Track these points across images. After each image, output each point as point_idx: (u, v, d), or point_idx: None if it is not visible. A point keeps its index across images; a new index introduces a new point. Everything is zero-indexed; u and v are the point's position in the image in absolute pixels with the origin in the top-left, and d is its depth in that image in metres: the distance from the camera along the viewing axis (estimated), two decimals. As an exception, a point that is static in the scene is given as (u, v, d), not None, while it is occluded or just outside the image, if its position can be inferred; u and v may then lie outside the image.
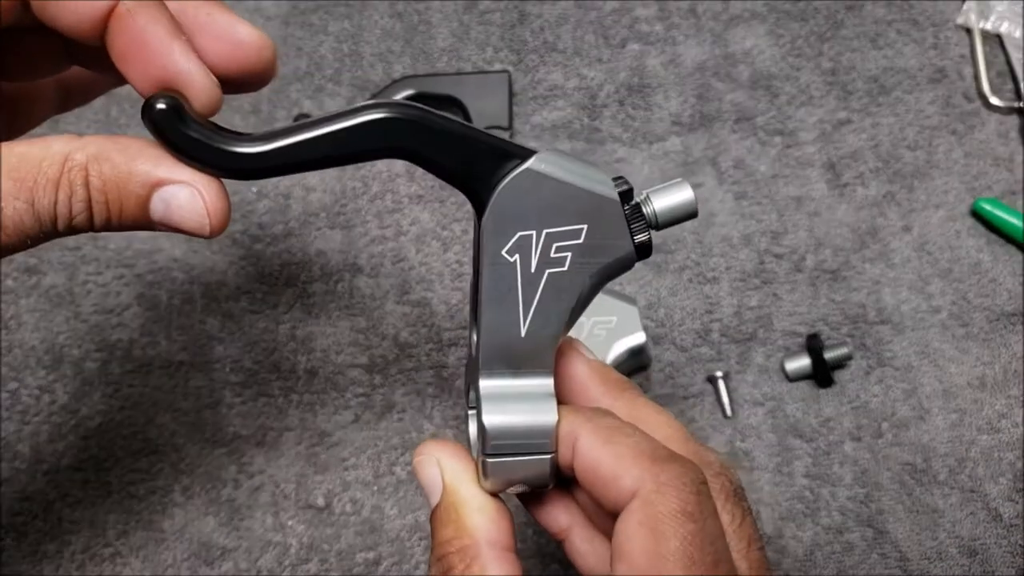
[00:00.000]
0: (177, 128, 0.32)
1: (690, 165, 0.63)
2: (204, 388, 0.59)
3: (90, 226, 0.34)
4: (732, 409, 0.57)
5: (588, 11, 0.69)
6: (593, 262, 0.35)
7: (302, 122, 0.33)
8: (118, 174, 0.33)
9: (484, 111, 0.64)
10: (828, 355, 0.57)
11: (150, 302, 0.61)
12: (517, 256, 0.34)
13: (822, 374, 0.57)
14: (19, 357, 0.59)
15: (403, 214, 0.63)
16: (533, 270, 0.34)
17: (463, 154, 0.33)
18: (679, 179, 0.36)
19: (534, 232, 0.34)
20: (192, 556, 0.55)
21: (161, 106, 0.32)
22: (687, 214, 0.36)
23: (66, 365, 0.59)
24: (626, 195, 0.35)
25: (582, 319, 0.56)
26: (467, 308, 0.60)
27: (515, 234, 0.34)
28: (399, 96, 0.64)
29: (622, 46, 0.67)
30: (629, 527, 0.31)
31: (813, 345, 0.57)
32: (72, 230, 0.33)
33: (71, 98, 0.44)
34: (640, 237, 0.35)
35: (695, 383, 0.58)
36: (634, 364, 0.57)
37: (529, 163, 0.34)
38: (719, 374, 0.58)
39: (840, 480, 0.55)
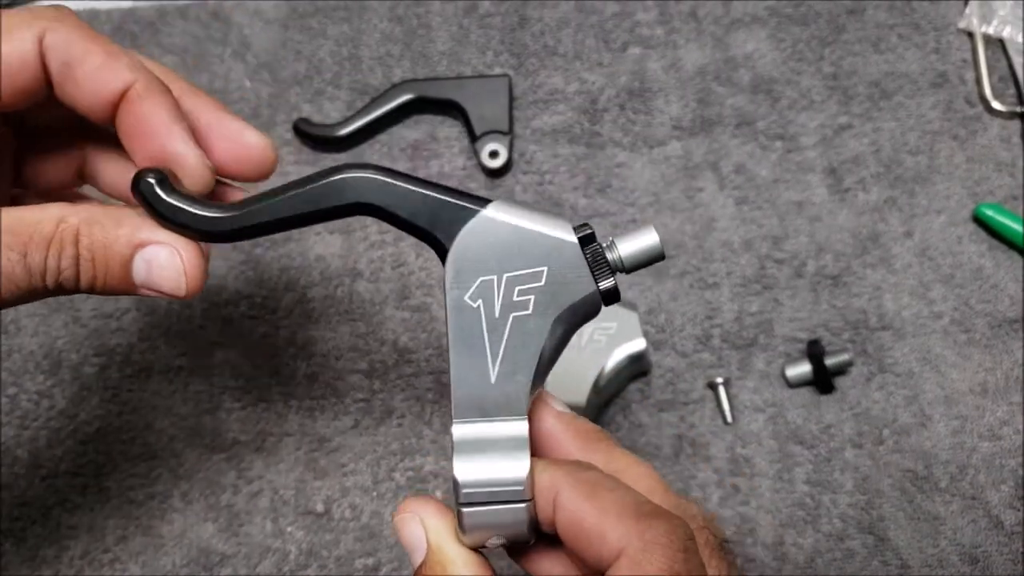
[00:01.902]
0: (159, 196, 0.36)
1: (691, 169, 0.63)
2: (203, 393, 0.58)
3: (75, 285, 0.37)
4: (733, 415, 0.57)
5: (589, 15, 0.68)
6: (556, 304, 0.35)
7: (274, 188, 0.37)
8: (105, 236, 0.36)
9: (484, 115, 0.64)
10: (829, 361, 0.56)
11: (149, 307, 0.61)
12: (480, 301, 0.35)
13: (823, 380, 0.57)
14: (18, 362, 0.59)
15: (403, 219, 0.63)
16: (497, 315, 0.35)
17: (423, 208, 0.35)
18: (646, 224, 0.37)
19: (495, 276, 0.35)
20: (191, 562, 0.55)
21: (148, 178, 0.36)
22: (653, 258, 0.36)
23: (65, 370, 0.59)
24: (587, 239, 0.35)
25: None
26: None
27: (477, 279, 0.35)
28: (400, 100, 0.64)
29: (623, 50, 0.67)
30: None
31: (814, 351, 0.57)
32: (60, 288, 0.37)
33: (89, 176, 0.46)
34: (605, 283, 0.35)
35: (696, 389, 0.58)
36: (634, 370, 0.57)
37: (485, 210, 0.35)
38: (720, 380, 0.57)
39: (841, 487, 0.55)
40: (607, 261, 0.35)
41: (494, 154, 0.63)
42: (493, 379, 0.35)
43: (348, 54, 0.68)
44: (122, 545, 0.55)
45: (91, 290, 0.37)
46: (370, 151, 0.65)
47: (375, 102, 0.65)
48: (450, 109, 0.65)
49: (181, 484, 0.56)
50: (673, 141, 0.64)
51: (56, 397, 0.58)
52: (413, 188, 0.35)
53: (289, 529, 0.55)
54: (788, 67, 0.66)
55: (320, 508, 0.56)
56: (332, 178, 0.35)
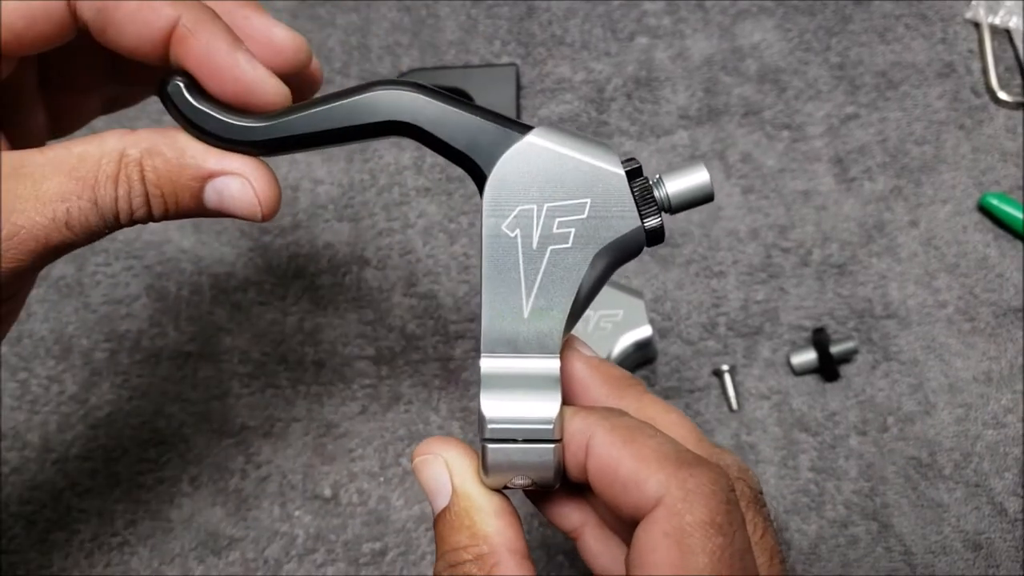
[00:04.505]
0: (188, 102, 0.34)
1: (697, 159, 0.63)
2: (212, 379, 0.59)
3: (150, 217, 0.35)
4: (738, 403, 0.57)
5: (596, 4, 0.69)
6: (597, 238, 0.33)
7: (309, 100, 0.35)
8: (170, 168, 0.34)
9: (491, 104, 0.63)
10: (834, 349, 0.57)
11: (159, 293, 0.61)
12: (518, 231, 0.33)
13: (828, 368, 0.57)
14: (28, 347, 0.60)
15: (410, 207, 0.63)
16: (535, 246, 0.33)
17: (463, 130, 0.33)
18: (696, 160, 0.35)
19: (535, 206, 0.33)
20: (199, 546, 0.55)
21: (176, 81, 0.34)
22: (702, 197, 0.35)
23: (75, 355, 0.59)
24: (634, 173, 0.34)
25: (588, 312, 0.56)
26: (474, 301, 0.60)
27: (516, 208, 0.33)
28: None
29: (630, 39, 0.67)
30: (653, 537, 0.29)
31: (819, 339, 0.57)
32: (134, 222, 0.35)
33: (116, 104, 0.44)
34: (651, 221, 0.34)
35: (701, 376, 0.58)
36: (640, 357, 0.57)
37: (529, 135, 0.34)
38: (725, 368, 0.58)
39: (845, 474, 0.56)
40: (654, 198, 0.34)
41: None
42: (526, 313, 0.33)
43: (357, 43, 0.68)
44: (131, 529, 0.56)
45: (165, 219, 0.35)
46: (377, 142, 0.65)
47: (383, 91, 0.65)
48: (458, 98, 0.65)
49: (190, 469, 0.57)
50: (680, 130, 0.65)
51: (66, 382, 0.59)
52: (453, 108, 0.33)
53: (297, 513, 0.56)
54: (795, 57, 0.66)
55: (328, 493, 0.56)
56: (368, 92, 0.34)
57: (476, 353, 0.59)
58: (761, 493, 0.34)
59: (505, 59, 0.67)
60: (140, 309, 0.61)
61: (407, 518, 0.55)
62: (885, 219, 0.61)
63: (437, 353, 0.59)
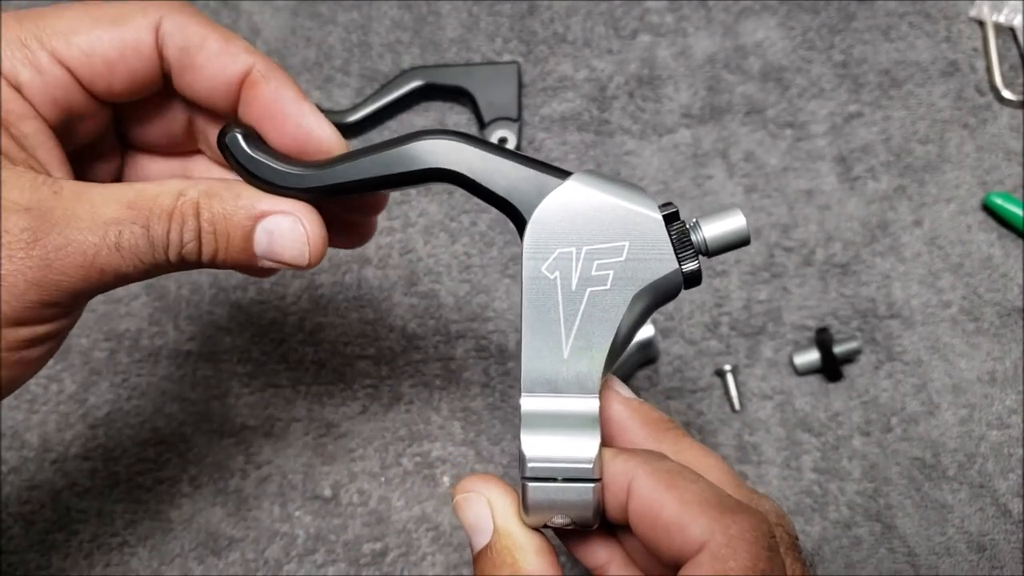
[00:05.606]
0: (243, 150, 0.36)
1: (700, 157, 0.63)
2: (212, 378, 0.59)
3: (198, 259, 0.36)
4: (740, 403, 0.57)
5: (598, 2, 0.68)
6: (636, 280, 0.34)
7: (358, 149, 0.36)
8: (226, 208, 0.36)
9: (493, 102, 0.63)
10: (837, 349, 0.56)
11: (158, 292, 0.61)
12: (557, 273, 0.34)
13: (831, 368, 0.57)
14: (27, 346, 0.59)
15: (411, 205, 0.63)
16: (574, 288, 0.34)
17: (504, 177, 0.35)
18: (732, 207, 0.36)
19: (574, 249, 0.34)
20: (199, 546, 0.55)
21: (235, 132, 0.36)
22: (739, 241, 0.35)
23: (74, 354, 0.59)
24: (671, 217, 0.35)
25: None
26: (475, 300, 0.60)
27: (555, 251, 0.34)
28: (409, 86, 0.64)
29: (632, 37, 0.67)
30: None
31: (822, 339, 0.57)
32: (182, 261, 0.36)
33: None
34: (688, 265, 0.34)
35: (703, 376, 0.58)
36: (643, 357, 0.57)
37: (568, 180, 0.35)
38: (728, 368, 0.57)
39: (849, 475, 0.55)
40: (692, 242, 0.35)
41: (503, 141, 0.63)
42: (566, 354, 0.34)
43: (358, 41, 0.68)
44: (131, 529, 0.55)
45: (212, 263, 0.36)
46: (379, 138, 0.65)
47: (384, 89, 0.64)
48: (459, 96, 0.65)
49: (190, 468, 0.57)
50: (682, 129, 0.64)
51: (65, 381, 0.59)
52: (494, 156, 0.35)
53: (297, 514, 0.56)
54: (798, 55, 0.66)
55: (328, 493, 0.56)
56: (413, 143, 0.35)
57: (476, 353, 0.59)
58: (797, 539, 0.34)
59: (507, 57, 0.67)
60: (139, 308, 0.60)
61: (408, 519, 0.55)
62: (889, 218, 0.61)
63: (438, 353, 0.59)
